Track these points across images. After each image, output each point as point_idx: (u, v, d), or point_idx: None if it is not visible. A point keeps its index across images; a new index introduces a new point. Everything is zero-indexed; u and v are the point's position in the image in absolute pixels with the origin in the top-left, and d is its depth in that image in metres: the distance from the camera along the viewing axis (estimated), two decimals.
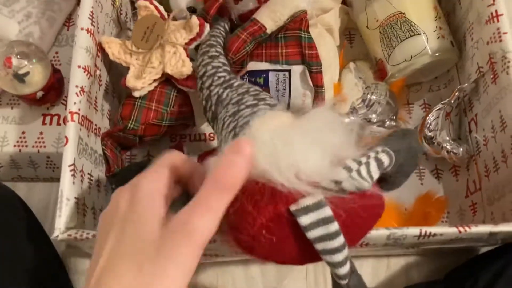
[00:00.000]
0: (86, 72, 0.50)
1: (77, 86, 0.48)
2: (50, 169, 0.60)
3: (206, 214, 0.29)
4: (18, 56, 0.54)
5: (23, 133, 0.58)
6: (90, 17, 0.52)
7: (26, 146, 0.58)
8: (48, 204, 0.60)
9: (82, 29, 0.51)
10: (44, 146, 0.58)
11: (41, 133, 0.58)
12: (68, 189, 0.45)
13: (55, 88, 0.58)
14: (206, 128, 0.62)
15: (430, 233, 0.43)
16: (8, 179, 0.61)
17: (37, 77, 0.55)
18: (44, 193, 0.61)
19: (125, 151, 0.59)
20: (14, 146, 0.58)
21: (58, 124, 0.59)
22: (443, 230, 0.43)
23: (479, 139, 0.55)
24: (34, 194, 0.61)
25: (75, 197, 0.45)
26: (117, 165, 0.55)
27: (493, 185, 0.52)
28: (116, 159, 0.55)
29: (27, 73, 0.54)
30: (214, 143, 0.61)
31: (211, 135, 0.62)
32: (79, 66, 0.49)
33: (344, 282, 0.34)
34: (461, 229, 0.43)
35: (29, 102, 0.58)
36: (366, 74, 0.61)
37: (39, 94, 0.56)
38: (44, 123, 0.59)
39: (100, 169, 0.54)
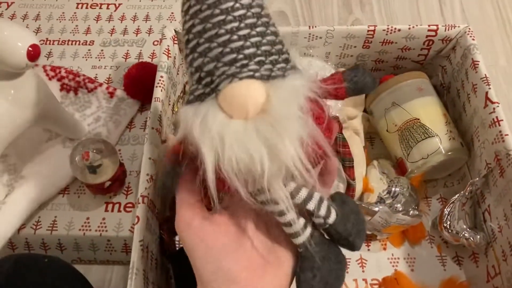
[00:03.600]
0: (154, 164, 0.59)
1: (147, 174, 0.57)
2: (108, 252, 0.66)
3: None
4: (94, 151, 0.63)
5: (88, 218, 0.66)
6: (159, 119, 0.62)
7: (90, 230, 0.65)
8: (103, 285, 0.66)
9: (152, 128, 0.61)
10: (106, 230, 0.65)
11: (103, 219, 0.66)
12: (138, 262, 0.51)
13: (120, 180, 0.67)
14: None
15: None
16: (68, 261, 0.67)
17: (107, 169, 0.64)
18: (100, 275, 0.66)
19: (176, 235, 0.66)
20: (79, 230, 0.65)
21: (119, 211, 0.67)
22: None
23: (494, 227, 0.62)
24: (91, 276, 0.66)
25: (143, 270, 0.52)
26: (171, 247, 0.62)
27: (511, 268, 0.58)
28: (171, 242, 0.62)
29: (99, 166, 0.64)
30: None
31: None
32: (149, 158, 0.59)
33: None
34: None
35: (96, 191, 0.66)
36: (388, 170, 0.70)
37: (107, 183, 0.65)
38: (106, 210, 0.67)
39: (158, 250, 0.60)
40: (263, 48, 0.36)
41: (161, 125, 0.63)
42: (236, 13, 0.36)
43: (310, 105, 0.35)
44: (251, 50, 0.35)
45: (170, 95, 0.70)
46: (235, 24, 0.36)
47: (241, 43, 0.35)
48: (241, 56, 0.35)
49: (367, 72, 0.38)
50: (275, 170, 0.33)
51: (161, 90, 0.65)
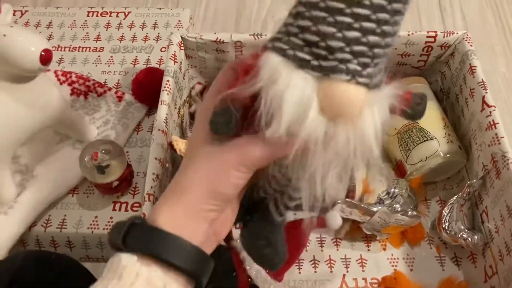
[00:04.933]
0: (160, 164, 0.61)
1: (153, 174, 0.59)
2: None
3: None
4: (103, 152, 0.66)
5: (96, 217, 0.68)
6: (165, 121, 0.65)
7: (98, 228, 0.67)
8: None
9: (158, 130, 0.63)
10: None
11: (111, 218, 0.68)
12: None
13: (127, 180, 0.69)
14: None
15: None
16: (77, 258, 0.69)
17: (115, 169, 0.67)
18: None
19: None
20: (88, 228, 0.67)
21: (126, 210, 0.69)
22: None
23: (491, 227, 0.63)
24: (98, 273, 0.68)
25: None
26: None
27: (507, 267, 0.59)
28: None
29: (107, 166, 0.66)
30: None
31: None
32: (156, 158, 0.61)
33: None
34: None
35: (104, 190, 0.69)
36: (388, 172, 0.71)
37: (115, 183, 0.67)
38: (114, 209, 0.69)
39: None
40: (381, 57, 0.33)
41: (167, 127, 0.65)
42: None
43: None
44: (377, 60, 0.32)
45: (176, 99, 0.72)
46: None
47: (378, 49, 0.32)
48: (368, 59, 0.32)
49: (425, 103, 0.37)
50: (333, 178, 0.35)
51: (168, 94, 0.67)
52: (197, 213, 0.37)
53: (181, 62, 0.74)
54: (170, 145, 0.66)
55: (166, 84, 0.68)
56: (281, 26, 0.34)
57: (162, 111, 0.65)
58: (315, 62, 0.32)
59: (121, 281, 0.34)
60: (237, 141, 0.36)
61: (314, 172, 0.35)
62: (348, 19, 0.31)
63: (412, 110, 0.36)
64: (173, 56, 0.71)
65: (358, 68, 0.32)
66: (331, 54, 0.31)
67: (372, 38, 0.31)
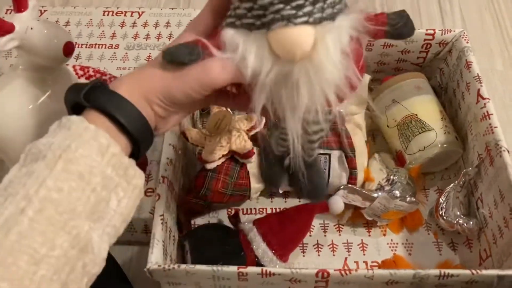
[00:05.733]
0: (174, 149, 0.65)
1: (167, 158, 0.64)
2: (130, 233, 0.72)
3: None
4: None
5: None
6: None
7: None
8: (125, 265, 0.71)
9: None
10: None
11: None
12: (158, 233, 0.57)
13: (141, 167, 0.73)
14: (256, 204, 0.75)
15: (449, 274, 0.53)
16: None
17: None
18: (122, 254, 0.72)
19: (192, 218, 0.71)
20: None
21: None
22: (459, 272, 0.53)
23: (485, 213, 0.67)
24: (113, 254, 0.72)
25: (162, 241, 0.58)
26: (188, 227, 0.68)
27: (500, 249, 0.63)
28: (188, 222, 0.68)
29: None
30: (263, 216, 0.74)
31: (260, 210, 0.75)
32: (170, 144, 0.65)
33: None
34: (473, 271, 0.53)
35: None
36: (388, 162, 0.75)
37: None
38: None
39: (175, 229, 0.66)
40: None
41: None
42: None
43: (352, 44, 0.39)
44: None
45: None
46: None
47: None
48: None
49: (410, 20, 0.40)
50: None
51: None
52: (148, 100, 0.41)
53: None
54: (183, 133, 0.70)
55: None
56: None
57: None
58: (258, 22, 0.38)
59: (70, 132, 0.37)
60: (200, 62, 0.40)
61: (290, 110, 0.40)
62: None
63: (393, 29, 0.40)
64: None
65: (293, 11, 0.36)
66: (266, 10, 0.37)
67: None
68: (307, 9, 0.36)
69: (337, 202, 0.67)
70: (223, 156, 0.68)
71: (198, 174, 0.69)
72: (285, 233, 0.65)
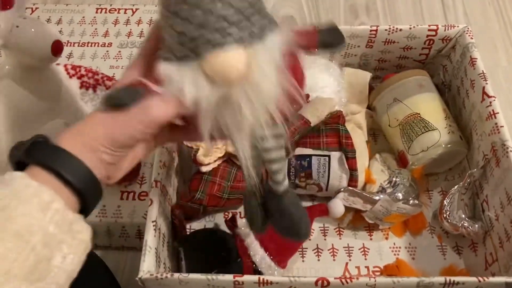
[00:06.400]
0: (167, 152, 0.63)
1: (160, 161, 0.61)
2: (123, 238, 0.70)
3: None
4: None
5: (104, 206, 0.70)
6: None
7: (106, 216, 0.69)
8: (117, 271, 0.69)
9: None
10: (121, 217, 0.69)
11: (118, 206, 0.70)
12: (151, 240, 0.55)
13: (134, 170, 0.70)
14: None
15: (454, 281, 0.51)
16: None
17: None
18: (116, 260, 0.70)
19: (188, 221, 0.69)
20: (96, 216, 0.69)
21: (133, 199, 0.71)
22: (465, 279, 0.51)
23: (491, 216, 0.64)
24: (106, 261, 0.69)
25: (155, 248, 0.55)
26: (183, 231, 0.65)
27: (507, 253, 0.60)
28: (182, 228, 0.65)
29: None
30: None
31: None
32: (163, 147, 0.63)
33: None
34: (480, 278, 0.51)
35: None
36: (390, 163, 0.73)
37: None
38: (121, 198, 0.71)
39: (169, 234, 0.64)
40: (246, 12, 0.38)
41: None
42: None
43: (286, 58, 0.40)
44: (235, 17, 0.37)
45: None
46: None
47: (225, 10, 0.37)
48: (225, 23, 0.37)
49: (340, 34, 0.44)
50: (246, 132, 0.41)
51: None
52: (94, 150, 0.40)
53: None
54: None
55: None
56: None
57: None
58: (190, 53, 0.38)
59: (11, 188, 0.36)
60: (140, 102, 0.40)
61: (236, 131, 0.41)
62: (210, 4, 0.37)
63: (323, 39, 0.43)
64: None
65: (220, 37, 0.37)
66: (196, 40, 0.38)
67: (236, 5, 0.37)
68: (234, 32, 0.38)
69: (337, 206, 0.65)
70: (219, 158, 0.66)
71: (193, 177, 0.66)
72: (283, 238, 0.63)
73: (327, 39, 0.43)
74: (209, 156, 0.65)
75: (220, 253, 0.61)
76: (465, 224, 0.66)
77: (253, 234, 0.62)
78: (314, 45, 0.42)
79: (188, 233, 0.68)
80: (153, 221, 0.56)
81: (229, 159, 0.67)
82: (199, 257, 0.60)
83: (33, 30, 0.60)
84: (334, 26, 0.44)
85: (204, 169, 0.65)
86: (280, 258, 0.62)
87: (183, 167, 0.72)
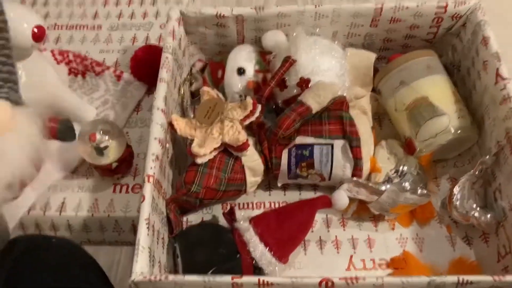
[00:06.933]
0: (160, 144, 0.59)
1: (153, 154, 0.57)
2: (117, 233, 0.67)
3: None
4: (101, 132, 0.64)
5: (96, 200, 0.67)
6: (164, 100, 0.62)
7: (98, 211, 0.66)
8: (112, 267, 0.66)
9: (158, 109, 0.61)
10: (114, 211, 0.65)
11: (111, 200, 0.67)
12: (143, 239, 0.51)
13: (127, 161, 0.67)
14: (253, 198, 0.69)
15: (468, 280, 0.47)
16: (78, 242, 0.67)
17: (114, 150, 0.65)
18: (109, 255, 0.67)
19: (184, 215, 0.66)
20: (88, 211, 0.66)
21: (127, 192, 0.67)
22: (479, 278, 0.48)
23: (505, 206, 0.61)
24: (100, 256, 0.66)
25: (148, 247, 0.52)
26: (179, 226, 0.62)
27: None
28: (178, 221, 0.62)
29: (106, 147, 0.64)
30: (260, 211, 0.68)
31: (258, 204, 0.69)
32: (155, 138, 0.59)
33: None
34: (495, 278, 0.47)
35: (103, 172, 0.67)
36: (397, 150, 0.69)
37: (114, 164, 0.65)
38: (114, 191, 0.67)
39: (164, 229, 0.60)
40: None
41: (166, 106, 0.63)
42: None
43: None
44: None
45: (176, 77, 0.70)
46: None
47: None
48: None
49: (71, 129, 0.63)
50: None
51: (166, 72, 0.65)
52: None
53: (180, 39, 0.71)
54: (170, 124, 0.64)
55: (165, 61, 0.65)
56: None
57: (161, 89, 0.63)
58: None
59: None
60: None
61: None
62: None
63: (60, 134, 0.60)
64: (172, 32, 0.69)
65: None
66: None
67: None
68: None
69: (342, 197, 0.61)
70: (215, 149, 0.62)
71: (188, 169, 0.63)
72: (284, 232, 0.60)
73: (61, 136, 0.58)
74: (205, 147, 0.61)
75: (218, 249, 0.58)
76: (476, 214, 0.62)
77: (252, 229, 0.59)
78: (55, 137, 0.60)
79: (184, 227, 0.64)
80: (146, 219, 0.53)
81: (226, 149, 0.63)
82: (195, 254, 0.57)
83: (12, 14, 0.55)
84: (69, 124, 0.63)
85: (199, 160, 0.61)
86: (281, 253, 0.59)
87: (178, 157, 0.68)
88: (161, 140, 0.59)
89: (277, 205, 0.69)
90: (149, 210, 0.54)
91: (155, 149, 0.58)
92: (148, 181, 0.55)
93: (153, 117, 0.60)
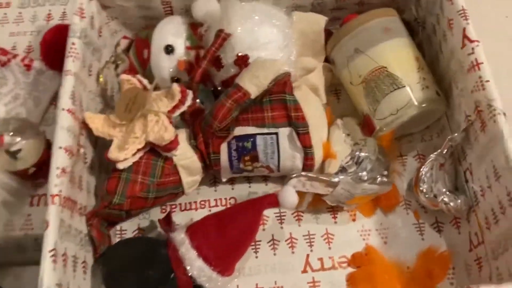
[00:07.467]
0: (68, 153, 0.49)
1: (58, 168, 0.48)
2: (39, 252, 0.58)
3: None
4: (12, 134, 0.55)
5: (10, 219, 0.58)
6: (72, 97, 0.52)
7: (13, 230, 0.57)
8: None
9: (63, 109, 0.51)
10: (32, 229, 0.57)
11: (28, 215, 0.58)
12: (48, 276, 0.43)
13: (47, 164, 0.58)
14: (196, 196, 0.61)
15: None
16: None
17: (30, 153, 0.56)
18: (34, 279, 0.59)
19: (112, 226, 0.57)
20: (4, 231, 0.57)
21: (46, 204, 0.58)
22: None
23: (476, 189, 0.53)
24: (23, 280, 0.59)
25: (56, 284, 0.44)
26: (104, 243, 0.53)
27: (495, 238, 0.50)
28: (103, 238, 0.54)
29: (19, 150, 0.55)
30: (205, 211, 0.60)
31: (202, 203, 0.61)
32: (60, 147, 0.49)
33: None
34: None
35: (21, 178, 0.57)
36: (354, 129, 0.60)
37: (31, 170, 0.56)
38: (32, 205, 0.58)
39: (86, 249, 0.52)
40: None
41: (75, 104, 0.53)
42: None
43: None
44: None
45: (92, 63, 0.59)
46: None
47: None
48: None
49: None
50: None
51: (73, 61, 0.54)
52: None
53: (92, 16, 0.60)
54: (84, 124, 0.54)
55: (71, 48, 0.55)
56: None
57: (67, 84, 0.52)
58: None
59: None
60: None
61: None
62: None
63: None
64: (80, 10, 0.57)
65: None
66: None
67: None
68: None
69: (290, 195, 0.53)
70: (138, 150, 0.53)
71: (110, 175, 0.54)
72: (226, 240, 0.52)
73: None
74: (125, 150, 0.52)
75: (148, 271, 0.49)
76: (445, 199, 0.55)
77: (188, 241, 0.51)
78: None
79: (114, 242, 0.56)
80: (50, 250, 0.44)
81: (152, 149, 0.53)
82: (121, 281, 0.49)
83: None
84: None
85: (121, 166, 0.52)
86: (224, 266, 0.51)
87: (102, 158, 0.58)
88: (69, 148, 0.50)
89: (224, 202, 0.60)
90: (55, 238, 0.45)
91: (60, 161, 0.48)
92: (53, 202, 0.46)
93: (58, 120, 0.50)
